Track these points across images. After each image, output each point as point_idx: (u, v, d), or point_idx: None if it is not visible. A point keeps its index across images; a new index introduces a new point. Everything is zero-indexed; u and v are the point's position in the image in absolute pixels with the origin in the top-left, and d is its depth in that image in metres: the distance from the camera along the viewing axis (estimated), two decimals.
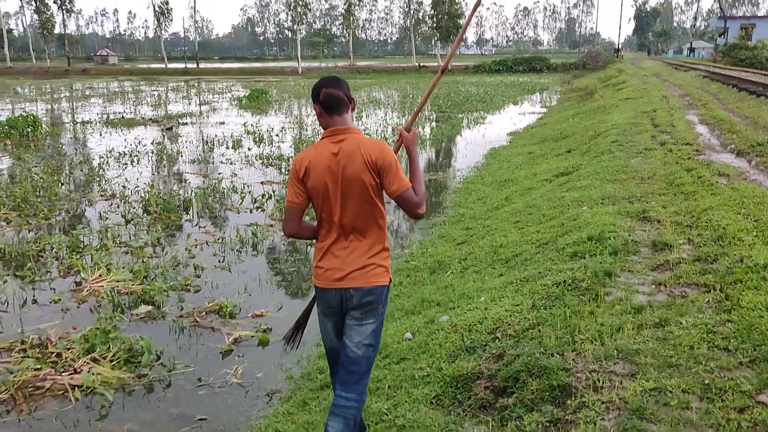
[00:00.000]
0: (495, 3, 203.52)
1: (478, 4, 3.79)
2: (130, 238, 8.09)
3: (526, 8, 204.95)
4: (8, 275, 6.67)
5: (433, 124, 21.95)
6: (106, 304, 5.87)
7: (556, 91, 37.64)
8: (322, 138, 3.09)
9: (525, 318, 4.21)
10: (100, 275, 6.47)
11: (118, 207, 9.71)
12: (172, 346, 5.12)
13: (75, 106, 30.75)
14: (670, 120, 12.67)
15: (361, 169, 2.97)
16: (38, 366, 4.56)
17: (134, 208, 9.61)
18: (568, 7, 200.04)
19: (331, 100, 3.05)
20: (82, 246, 7.55)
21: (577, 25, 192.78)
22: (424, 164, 13.67)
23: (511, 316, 4.31)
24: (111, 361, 4.65)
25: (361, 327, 3.04)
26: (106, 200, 10.21)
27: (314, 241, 3.19)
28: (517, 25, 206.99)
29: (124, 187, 11.03)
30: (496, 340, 4.01)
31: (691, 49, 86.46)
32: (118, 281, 6.38)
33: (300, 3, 71.80)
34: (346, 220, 3.02)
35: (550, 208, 7.50)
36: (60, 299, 6.05)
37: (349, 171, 2.97)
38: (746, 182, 6.84)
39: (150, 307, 5.83)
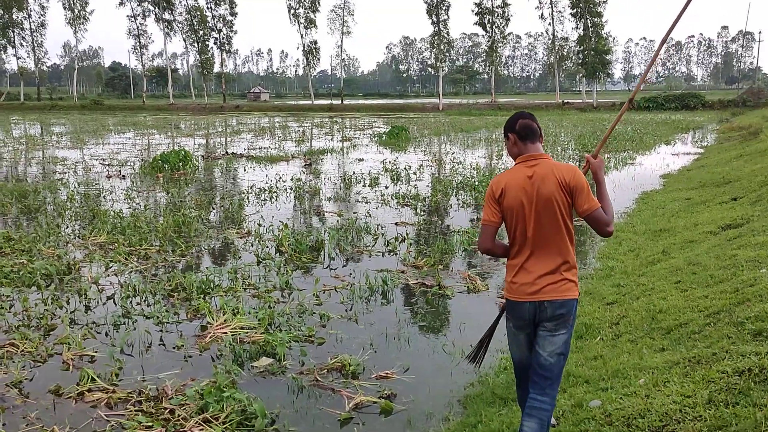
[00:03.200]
0: (645, 38, 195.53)
1: (668, 34, 4.01)
2: (259, 279, 7.95)
3: (678, 43, 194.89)
4: (138, 316, 6.65)
5: (576, 163, 20.83)
6: (227, 354, 5.64)
7: (712, 129, 34.97)
8: (516, 163, 3.45)
9: (700, 417, 3.43)
10: (225, 320, 6.29)
11: (252, 245, 9.71)
12: (288, 409, 4.74)
13: (224, 142, 32.39)
14: None
15: (555, 190, 3.26)
16: (150, 423, 4.34)
17: (267, 247, 9.56)
18: (726, 42, 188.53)
19: (527, 130, 3.44)
20: (212, 287, 7.47)
21: (735, 59, 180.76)
22: None
23: (681, 411, 3.55)
24: (223, 422, 4.33)
25: (553, 337, 3.31)
26: (241, 238, 10.26)
27: (505, 260, 3.52)
28: (669, 61, 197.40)
29: (259, 224, 11.09)
30: None
31: None
32: (242, 328, 6.16)
33: (443, 41, 72.44)
34: (539, 237, 3.31)
35: (719, 267, 6.50)
36: (183, 345, 5.90)
37: (544, 191, 3.27)
38: None
39: (271, 360, 5.52)
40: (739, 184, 12.41)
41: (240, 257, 9.10)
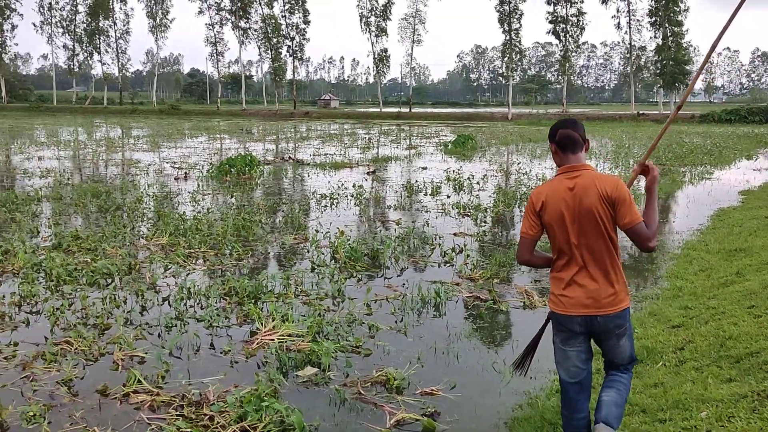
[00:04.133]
0: (729, 48, 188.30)
1: (715, 45, 3.85)
2: (312, 286, 7.89)
3: (765, 53, 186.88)
4: (190, 319, 6.69)
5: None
6: (272, 362, 5.57)
7: None
8: (557, 174, 3.41)
9: None
10: (273, 327, 6.24)
11: (308, 252, 9.69)
12: (328, 422, 4.62)
13: (292, 147, 32.83)
14: None
15: (597, 202, 3.23)
16: (189, 429, 4.30)
17: (323, 254, 9.52)
18: None
19: (567, 140, 3.38)
20: (264, 292, 7.46)
21: None
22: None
23: None
24: None
25: (619, 347, 3.44)
26: (298, 243, 10.27)
27: (549, 271, 3.53)
28: (754, 72, 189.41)
29: (316, 231, 11.08)
30: None
31: None
32: (289, 335, 6.10)
33: (514, 50, 71.61)
34: (585, 250, 3.30)
35: None
36: (230, 350, 5.87)
37: (585, 204, 3.25)
38: None
39: (315, 370, 5.43)
40: None
41: (295, 263, 9.08)
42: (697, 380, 4.64)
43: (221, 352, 5.87)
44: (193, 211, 12.88)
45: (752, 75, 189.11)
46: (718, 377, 4.60)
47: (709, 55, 4.31)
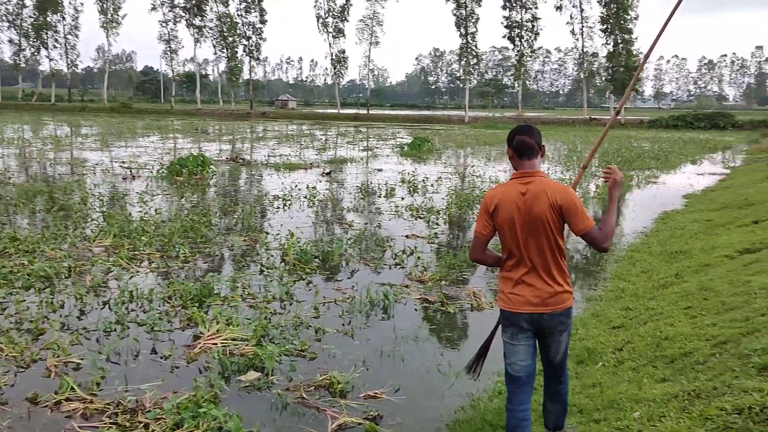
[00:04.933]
0: (677, 56, 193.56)
1: (651, 50, 4.20)
2: (259, 289, 7.80)
3: (711, 61, 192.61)
4: (131, 323, 6.53)
5: (599, 180, 20.47)
6: (213, 367, 5.48)
7: (741, 150, 34.28)
8: (511, 178, 3.57)
9: None
10: (217, 331, 6.14)
11: (257, 254, 9.59)
12: (269, 427, 4.56)
13: (246, 148, 32.48)
14: None
15: (546, 209, 3.39)
16: None
17: (272, 256, 9.42)
18: (759, 62, 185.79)
19: (523, 146, 3.53)
20: (209, 295, 7.34)
21: None
22: None
23: None
24: None
25: (559, 342, 3.63)
26: (248, 246, 10.15)
27: (496, 271, 3.93)
28: (701, 79, 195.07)
29: (266, 233, 10.97)
30: None
31: None
32: (233, 339, 6.01)
33: (471, 54, 72.24)
34: (533, 252, 3.47)
35: (732, 294, 6.21)
36: (171, 355, 5.76)
37: (535, 210, 3.41)
38: None
39: (258, 375, 5.36)
40: (763, 207, 12.02)
41: (243, 265, 8.97)
42: (633, 380, 4.73)
43: (162, 357, 5.75)
44: (141, 212, 12.61)
45: (699, 82, 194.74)
46: (652, 377, 4.69)
47: (645, 61, 4.68)
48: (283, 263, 9.06)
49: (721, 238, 9.75)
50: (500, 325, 3.72)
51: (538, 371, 3.80)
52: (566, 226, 3.54)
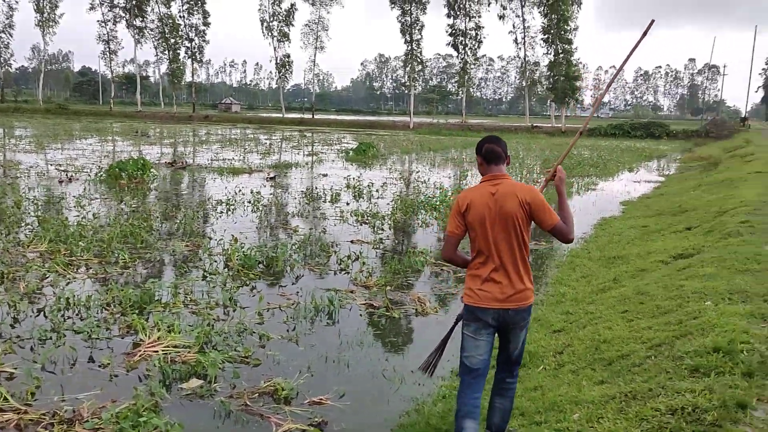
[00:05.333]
0: (614, 66, 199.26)
1: (622, 66, 4.61)
2: (202, 295, 7.68)
3: (646, 72, 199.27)
4: (68, 331, 6.34)
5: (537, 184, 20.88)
6: (154, 375, 5.37)
7: (675, 159, 35.57)
8: (482, 181, 3.86)
9: None
10: (158, 338, 6.02)
11: (200, 259, 9.43)
12: None
13: (189, 151, 31.94)
14: None
15: (516, 207, 3.67)
16: None
17: (215, 261, 9.29)
18: (692, 74, 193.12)
19: (492, 154, 3.85)
20: (150, 301, 7.18)
21: (700, 91, 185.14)
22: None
23: None
24: None
25: (519, 337, 3.85)
26: (190, 251, 9.97)
27: (465, 270, 3.93)
28: (637, 89, 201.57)
29: (209, 238, 10.81)
30: None
31: None
32: (175, 347, 5.90)
33: (416, 61, 72.79)
34: (501, 250, 3.70)
35: (666, 298, 6.44)
36: (109, 363, 5.61)
37: (506, 208, 3.68)
38: None
39: (201, 382, 5.27)
40: (695, 214, 12.51)
41: (186, 271, 8.81)
42: (573, 383, 4.85)
43: (100, 366, 5.60)
44: (78, 216, 12.25)
45: (635, 92, 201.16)
46: (591, 379, 4.82)
47: (615, 75, 5.32)
48: (226, 269, 8.94)
49: (656, 244, 10.09)
50: (463, 320, 3.89)
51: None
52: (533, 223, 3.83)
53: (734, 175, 18.57)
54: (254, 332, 6.55)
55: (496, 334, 3.89)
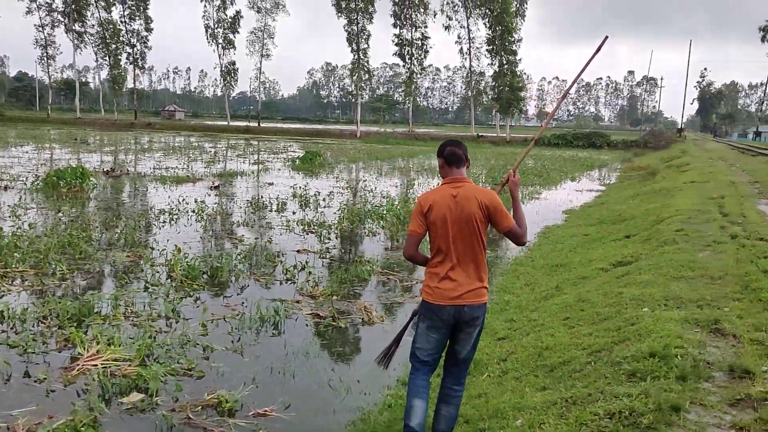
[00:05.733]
0: (557, 77, 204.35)
1: (577, 78, 4.83)
2: (144, 307, 7.52)
3: (588, 84, 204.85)
4: (2, 345, 6.11)
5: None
6: (93, 389, 5.22)
7: (615, 168, 36.59)
8: (443, 184, 4.01)
9: None
10: (97, 351, 5.87)
11: (142, 270, 9.23)
12: None
13: (131, 159, 31.27)
14: (741, 209, 11.66)
15: (476, 209, 3.84)
16: None
17: (158, 272, 9.10)
18: (631, 86, 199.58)
19: (453, 157, 4.01)
20: (89, 314, 6.99)
21: (639, 103, 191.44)
22: None
23: None
24: None
25: (470, 337, 3.98)
26: (131, 262, 9.75)
27: (424, 268, 4.06)
28: (579, 100, 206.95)
29: (152, 248, 10.59)
30: None
31: (758, 133, 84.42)
32: (115, 360, 5.76)
33: (363, 70, 73.04)
34: (459, 249, 3.86)
35: (606, 305, 6.61)
36: (46, 378, 5.44)
37: (466, 210, 3.84)
38: None
39: (142, 396, 5.16)
40: (634, 223, 12.88)
41: (127, 282, 8.61)
42: (516, 390, 4.93)
43: (36, 381, 5.42)
44: (13, 226, 11.83)
45: (578, 103, 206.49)
46: (534, 386, 4.91)
47: (569, 87, 5.53)
48: (169, 279, 8.78)
49: (597, 252, 10.36)
50: (419, 315, 4.04)
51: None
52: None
53: (670, 185, 19.22)
54: (198, 344, 6.44)
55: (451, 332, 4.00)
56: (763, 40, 69.51)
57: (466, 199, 3.87)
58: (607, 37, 4.66)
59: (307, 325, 7.30)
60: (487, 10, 66.21)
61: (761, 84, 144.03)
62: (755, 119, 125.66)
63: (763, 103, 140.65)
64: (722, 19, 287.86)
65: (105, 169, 23.83)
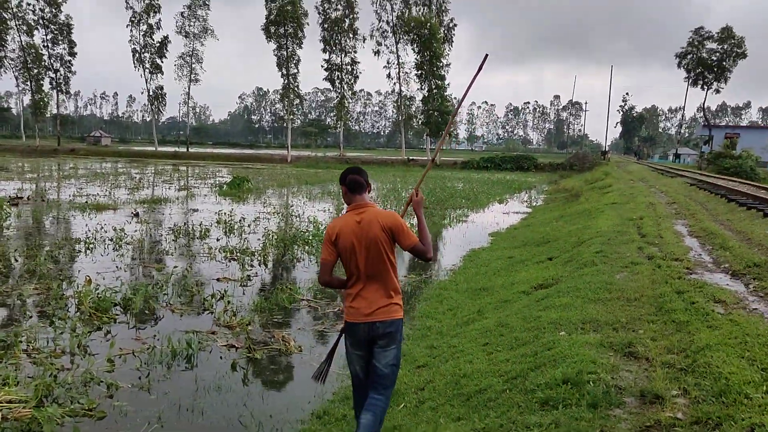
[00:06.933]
0: (486, 102, 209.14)
1: (465, 95, 5.08)
2: (47, 342, 7.07)
3: (516, 108, 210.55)
4: None
5: (414, 220, 21.22)
6: None
7: (542, 190, 37.39)
8: (347, 211, 4.21)
9: None
10: None
11: (50, 303, 8.73)
12: None
13: (50, 187, 30.04)
14: (658, 230, 11.97)
15: (379, 232, 4.04)
16: None
17: (67, 304, 8.62)
18: (558, 110, 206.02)
19: (355, 184, 4.19)
20: None
21: (565, 126, 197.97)
22: (399, 264, 12.80)
23: None
24: None
25: (386, 352, 4.11)
26: (39, 294, 9.22)
27: (342, 290, 4.32)
28: (508, 124, 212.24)
29: (61, 279, 10.05)
30: None
31: (677, 155, 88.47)
32: (9, 402, 5.34)
33: (293, 94, 72.83)
34: (369, 270, 4.07)
35: (524, 329, 6.59)
36: None
37: (370, 234, 4.04)
38: (746, 312, 5.97)
39: None
40: (556, 245, 13.06)
41: (31, 316, 8.11)
42: (431, 420, 4.80)
43: None
44: None
45: (507, 127, 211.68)
46: (449, 416, 4.79)
47: (456, 110, 5.97)
48: (78, 312, 8.32)
49: (520, 275, 10.41)
50: (345, 335, 4.24)
51: None
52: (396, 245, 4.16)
53: (592, 207, 19.69)
54: (102, 381, 6.07)
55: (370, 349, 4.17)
56: (679, 65, 72.76)
57: (369, 224, 4.06)
58: (487, 55, 4.84)
59: (221, 357, 7.01)
60: (416, 36, 67.18)
61: (680, 108, 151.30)
62: (674, 142, 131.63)
63: (681, 126, 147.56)
64: (643, 45, 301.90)
65: (10, 197, 22.65)
